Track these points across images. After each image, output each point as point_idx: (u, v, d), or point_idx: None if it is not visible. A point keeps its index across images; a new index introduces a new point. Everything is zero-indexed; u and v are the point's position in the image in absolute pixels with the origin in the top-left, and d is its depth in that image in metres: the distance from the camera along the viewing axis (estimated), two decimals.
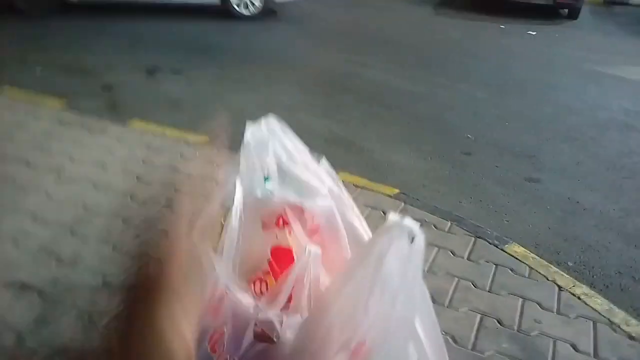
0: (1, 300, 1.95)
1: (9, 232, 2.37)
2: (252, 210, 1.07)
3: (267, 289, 1.03)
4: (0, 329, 1.82)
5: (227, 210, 1.25)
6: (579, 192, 3.32)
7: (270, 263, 1.04)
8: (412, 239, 0.67)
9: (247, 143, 1.07)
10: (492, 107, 4.75)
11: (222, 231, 1.15)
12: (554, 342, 1.97)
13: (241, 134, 1.10)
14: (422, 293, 0.72)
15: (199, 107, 4.18)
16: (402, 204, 2.82)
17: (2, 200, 2.65)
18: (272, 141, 1.08)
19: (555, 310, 2.14)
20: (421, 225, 2.38)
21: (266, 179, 1.08)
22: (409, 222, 0.68)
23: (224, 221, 1.20)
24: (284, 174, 1.09)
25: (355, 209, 1.14)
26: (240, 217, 1.08)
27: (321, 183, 1.09)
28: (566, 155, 3.86)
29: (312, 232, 1.07)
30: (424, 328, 0.72)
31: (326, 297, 0.73)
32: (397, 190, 2.97)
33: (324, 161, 1.16)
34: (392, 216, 0.69)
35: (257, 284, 1.01)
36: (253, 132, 1.08)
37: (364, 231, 1.10)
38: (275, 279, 1.02)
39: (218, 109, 4.13)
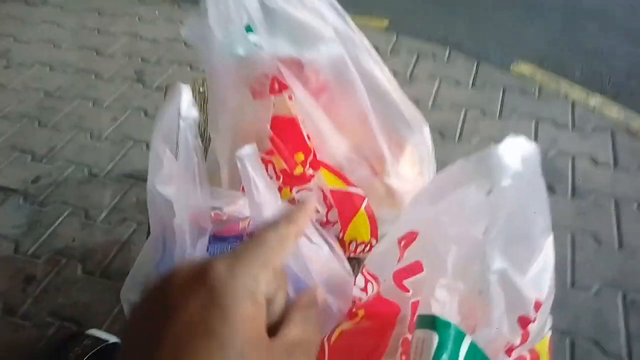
0: None
1: None
2: (236, 76, 0.81)
3: (275, 171, 0.84)
4: None
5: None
6: None
7: (272, 139, 0.83)
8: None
9: None
10: None
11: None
12: (573, 159, 1.89)
13: None
14: None
15: None
16: (395, 36, 2.56)
17: None
18: None
19: (570, 126, 2.03)
20: (418, 57, 2.11)
21: (248, 28, 0.79)
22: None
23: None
24: (271, 15, 0.80)
25: (373, 52, 0.89)
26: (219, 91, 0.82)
27: (324, 22, 0.82)
28: None
29: (319, 92, 0.84)
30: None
31: None
32: (386, 22, 2.68)
33: None
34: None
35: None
36: None
37: (388, 81, 0.87)
38: (283, 158, 0.82)
39: None
